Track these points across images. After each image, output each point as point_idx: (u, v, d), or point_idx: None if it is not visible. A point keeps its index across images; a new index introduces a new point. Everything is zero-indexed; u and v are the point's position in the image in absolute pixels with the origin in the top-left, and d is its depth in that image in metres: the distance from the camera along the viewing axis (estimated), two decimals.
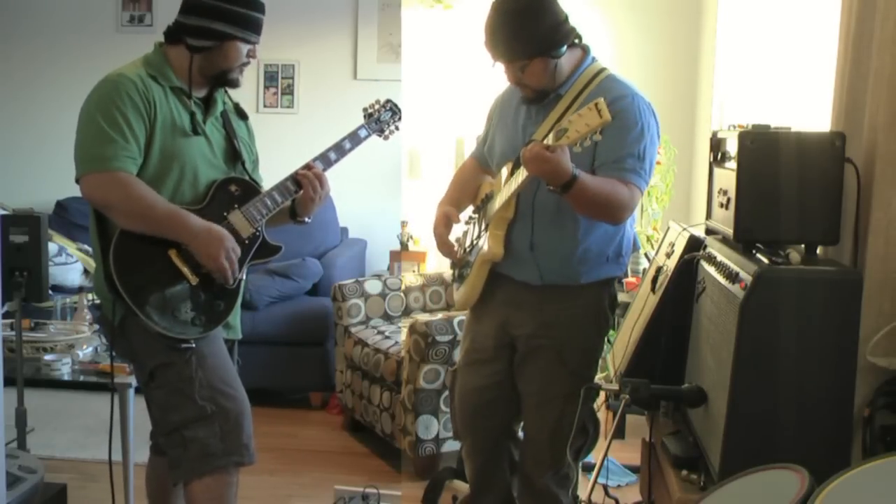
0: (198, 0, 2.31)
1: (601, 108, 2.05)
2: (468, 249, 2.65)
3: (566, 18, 2.38)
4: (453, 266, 2.73)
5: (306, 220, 2.55)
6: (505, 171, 2.48)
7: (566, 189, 2.19)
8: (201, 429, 2.31)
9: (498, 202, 2.46)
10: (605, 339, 2.66)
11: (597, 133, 2.08)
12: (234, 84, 2.43)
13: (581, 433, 2.57)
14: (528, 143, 2.39)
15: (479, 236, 2.59)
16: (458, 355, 3.56)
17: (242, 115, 2.57)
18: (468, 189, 2.71)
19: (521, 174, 2.30)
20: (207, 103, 2.44)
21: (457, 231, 2.70)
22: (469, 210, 2.73)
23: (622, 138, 2.31)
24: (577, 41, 2.43)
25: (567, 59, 2.40)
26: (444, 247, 2.63)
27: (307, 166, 2.49)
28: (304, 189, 2.46)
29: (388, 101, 2.73)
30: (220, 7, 2.30)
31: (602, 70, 2.44)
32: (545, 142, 2.16)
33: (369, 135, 2.65)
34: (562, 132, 2.10)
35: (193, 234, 2.28)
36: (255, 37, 2.37)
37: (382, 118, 2.69)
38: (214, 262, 2.29)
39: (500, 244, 2.48)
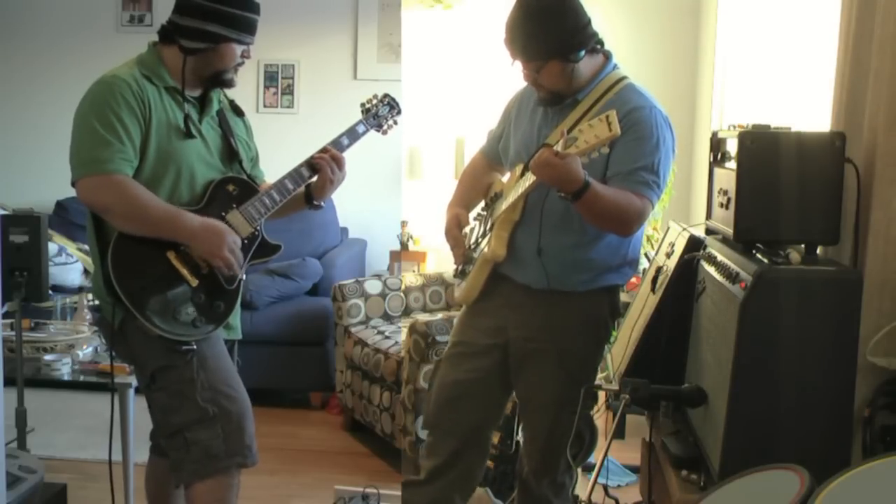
0: (192, 1, 2.29)
1: (611, 122, 2.02)
2: (472, 247, 2.64)
3: (588, 23, 2.33)
4: (457, 262, 2.69)
5: (322, 204, 2.55)
6: (517, 172, 2.46)
7: (577, 197, 2.16)
8: (203, 430, 2.30)
9: (505, 203, 2.44)
10: (604, 349, 2.61)
11: (605, 146, 2.06)
12: (229, 84, 2.42)
13: (577, 440, 2.54)
14: (541, 146, 2.36)
15: (483, 235, 2.58)
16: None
17: (239, 112, 2.56)
18: (478, 187, 2.68)
19: (530, 177, 2.28)
20: (203, 102, 2.43)
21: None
22: (478, 207, 2.70)
23: (637, 149, 2.29)
24: (598, 46, 2.39)
25: (586, 64, 2.36)
26: (459, 248, 2.60)
27: (324, 150, 2.49)
28: (321, 171, 2.46)
29: (386, 95, 2.72)
30: (215, 8, 2.28)
31: (623, 78, 2.40)
32: (555, 148, 2.13)
33: (367, 130, 2.65)
34: (571, 140, 2.08)
35: (192, 233, 2.28)
36: (249, 38, 2.36)
37: (380, 113, 2.69)
38: (218, 258, 2.29)
39: (503, 245, 2.46)
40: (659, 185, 2.32)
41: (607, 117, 2.03)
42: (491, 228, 2.52)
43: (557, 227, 2.40)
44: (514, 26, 2.31)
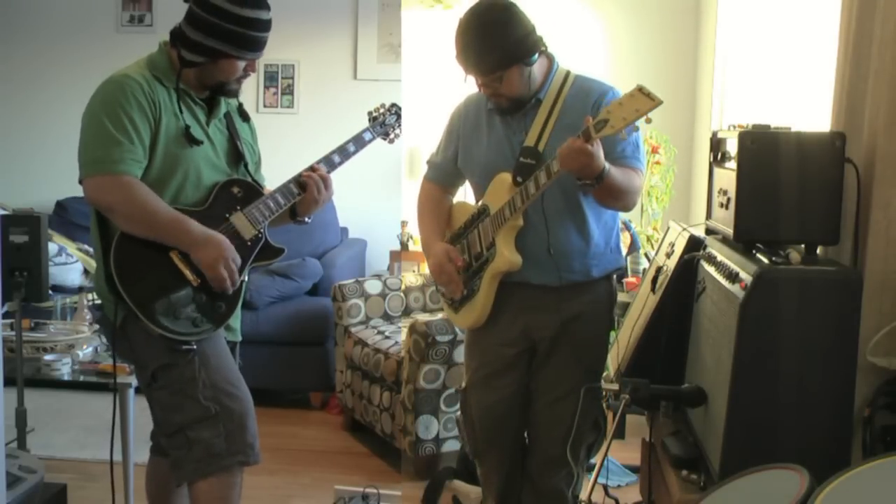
0: (198, 14, 2.27)
1: (649, 92, 2.08)
2: (472, 271, 2.58)
3: (533, 29, 2.42)
4: (455, 296, 2.62)
5: (306, 220, 2.55)
6: (503, 182, 2.46)
7: (599, 180, 2.24)
8: (205, 429, 2.30)
9: (508, 212, 2.43)
10: (611, 335, 2.69)
11: (646, 116, 2.10)
12: (232, 94, 2.42)
13: (594, 429, 2.61)
14: (522, 150, 2.43)
15: (479, 256, 2.54)
16: (458, 357, 3.59)
17: (245, 117, 2.56)
18: (442, 216, 2.69)
19: (543, 177, 2.30)
20: (211, 104, 2.43)
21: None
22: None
23: None
24: (542, 49, 2.47)
25: (538, 67, 2.45)
26: (455, 283, 2.56)
27: (312, 168, 2.49)
28: (308, 190, 2.46)
29: (394, 104, 2.73)
30: (219, 25, 2.25)
31: (568, 72, 2.51)
32: (587, 132, 2.16)
33: (374, 138, 2.66)
34: (602, 123, 2.12)
35: (194, 242, 2.28)
36: (251, 54, 2.33)
37: (387, 122, 2.70)
38: (213, 272, 2.29)
39: (515, 253, 2.47)
40: (643, 154, 2.49)
41: (641, 90, 2.09)
42: (490, 246, 2.50)
43: (562, 221, 2.47)
44: (467, 43, 2.37)
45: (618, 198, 2.39)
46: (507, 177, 2.45)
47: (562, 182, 2.34)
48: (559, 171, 2.24)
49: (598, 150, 2.19)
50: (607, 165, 2.24)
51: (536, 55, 2.41)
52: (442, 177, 2.71)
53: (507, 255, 2.47)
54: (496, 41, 2.34)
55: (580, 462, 2.61)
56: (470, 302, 2.58)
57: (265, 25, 2.32)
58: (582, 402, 2.48)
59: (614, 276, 2.64)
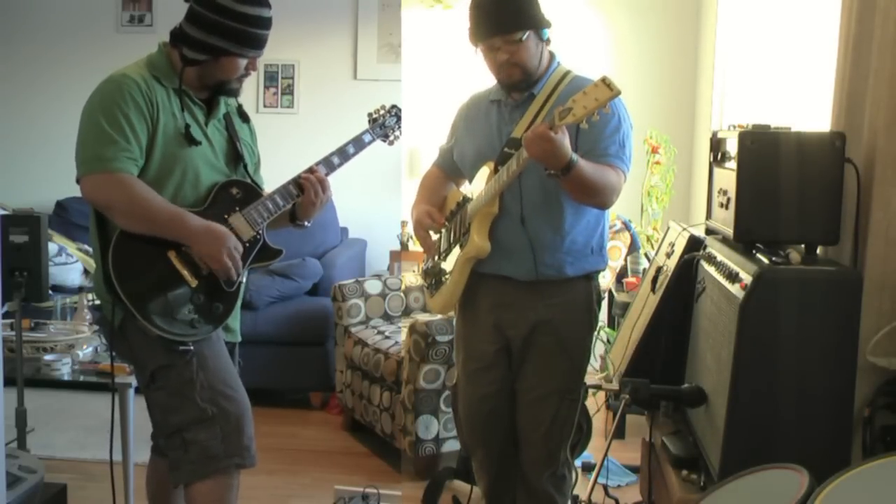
0: (200, 12, 2.28)
1: (610, 83, 2.08)
2: (443, 256, 2.66)
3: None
4: (426, 275, 2.73)
5: (306, 224, 2.55)
6: (485, 171, 2.51)
7: (567, 171, 2.22)
8: (202, 431, 2.30)
9: (484, 198, 2.46)
10: (595, 336, 2.69)
11: (606, 107, 2.10)
12: (233, 94, 2.42)
13: (576, 430, 2.61)
14: (507, 141, 2.46)
15: (456, 240, 2.59)
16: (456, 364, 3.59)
17: (245, 118, 2.56)
18: (437, 197, 2.72)
19: (514, 164, 2.32)
20: (210, 104, 2.43)
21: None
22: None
23: (603, 129, 2.38)
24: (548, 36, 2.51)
25: (544, 54, 2.48)
26: (429, 240, 2.66)
27: (310, 170, 2.49)
28: (305, 193, 2.46)
29: (394, 106, 2.73)
30: (220, 23, 2.26)
31: (568, 71, 2.52)
32: (551, 120, 2.17)
33: (373, 140, 2.66)
34: (566, 111, 2.12)
35: (194, 235, 2.28)
36: (253, 52, 2.34)
37: (387, 123, 2.70)
38: (217, 262, 2.29)
39: (486, 239, 2.49)
40: (628, 156, 2.46)
41: (604, 80, 2.09)
42: (466, 231, 2.53)
43: (537, 213, 2.47)
44: (488, 4, 2.40)
45: (589, 193, 2.36)
46: (492, 166, 2.49)
47: (542, 175, 2.33)
48: (527, 158, 2.25)
49: (563, 139, 2.17)
50: (575, 157, 2.22)
51: (548, 33, 2.44)
52: (444, 163, 2.76)
53: (476, 241, 2.48)
54: (518, 2, 2.38)
55: (562, 464, 2.61)
56: (442, 286, 2.62)
57: (266, 23, 2.32)
58: (564, 403, 2.51)
59: (597, 278, 2.60)
